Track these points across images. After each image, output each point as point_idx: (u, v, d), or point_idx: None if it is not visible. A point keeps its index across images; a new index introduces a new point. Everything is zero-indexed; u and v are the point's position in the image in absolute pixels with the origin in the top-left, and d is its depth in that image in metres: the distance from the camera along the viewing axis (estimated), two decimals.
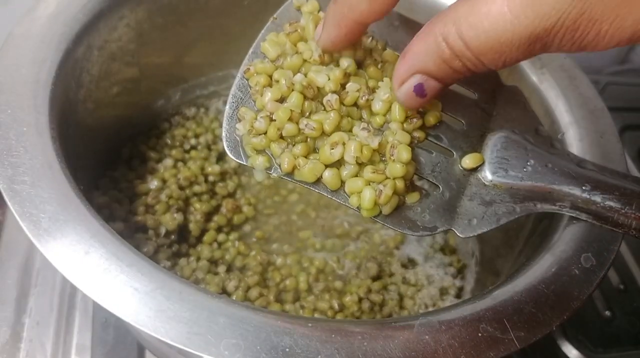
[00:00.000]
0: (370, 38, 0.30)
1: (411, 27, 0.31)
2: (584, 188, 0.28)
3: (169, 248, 0.43)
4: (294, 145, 0.28)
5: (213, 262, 0.44)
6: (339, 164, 0.28)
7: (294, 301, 0.43)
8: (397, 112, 0.28)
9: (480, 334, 0.25)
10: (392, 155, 0.27)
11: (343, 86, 0.28)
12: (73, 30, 0.34)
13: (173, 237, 0.43)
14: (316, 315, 0.42)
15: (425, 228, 0.28)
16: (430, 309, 0.44)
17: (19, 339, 0.40)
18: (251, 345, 0.23)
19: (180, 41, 0.46)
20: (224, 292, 0.43)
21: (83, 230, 0.25)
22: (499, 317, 0.25)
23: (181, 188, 0.46)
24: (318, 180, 0.28)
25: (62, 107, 0.32)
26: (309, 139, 0.28)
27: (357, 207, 0.27)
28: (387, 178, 0.27)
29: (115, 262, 0.24)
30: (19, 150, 0.27)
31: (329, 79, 0.28)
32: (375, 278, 0.44)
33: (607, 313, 0.49)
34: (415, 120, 0.29)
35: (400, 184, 0.27)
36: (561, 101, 0.38)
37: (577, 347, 0.45)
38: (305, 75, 0.28)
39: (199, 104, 0.52)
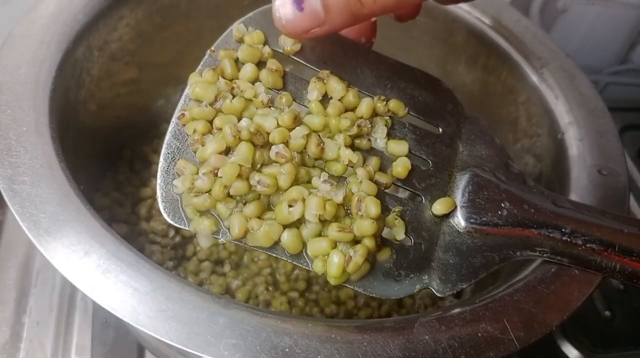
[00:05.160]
0: (328, 72, 0.27)
1: (365, 56, 0.28)
2: (564, 230, 0.26)
3: (172, 250, 0.43)
4: (244, 204, 0.24)
5: (219, 262, 0.44)
6: (298, 221, 0.24)
7: (300, 293, 0.43)
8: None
9: (480, 334, 0.24)
10: (359, 210, 0.24)
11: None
12: (73, 30, 0.34)
13: (177, 238, 0.43)
14: (316, 310, 0.42)
15: (400, 290, 0.25)
16: (430, 309, 0.44)
17: (19, 339, 0.40)
18: (251, 345, 0.23)
19: (180, 41, 0.46)
20: (228, 292, 0.43)
21: (83, 230, 0.25)
22: (499, 317, 0.25)
23: None
24: (275, 243, 0.24)
25: (62, 107, 0.32)
26: (262, 196, 0.24)
27: (323, 273, 0.24)
28: (354, 237, 0.24)
29: (115, 262, 0.24)
30: (19, 150, 0.27)
31: (278, 125, 0.25)
32: None
33: (607, 313, 0.49)
34: (372, 159, 0.26)
35: (371, 244, 0.24)
36: (561, 101, 0.38)
37: (577, 347, 0.45)
38: (250, 119, 0.25)
39: None
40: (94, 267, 0.24)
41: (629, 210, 0.34)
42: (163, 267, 0.36)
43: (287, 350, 0.23)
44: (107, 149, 0.46)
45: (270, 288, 0.43)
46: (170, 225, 0.43)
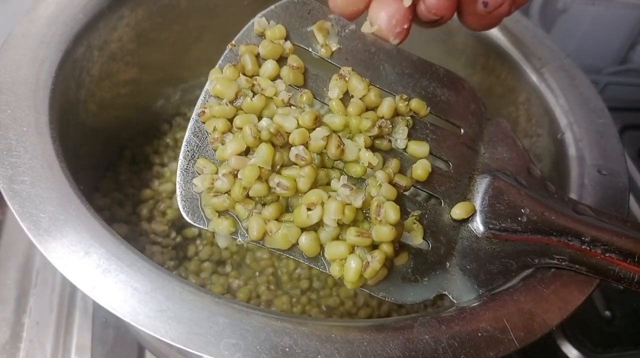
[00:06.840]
0: (350, 68, 0.27)
1: (387, 52, 0.28)
2: (583, 238, 0.26)
3: (173, 250, 0.43)
4: (263, 205, 0.24)
5: (220, 263, 0.44)
6: (316, 224, 0.24)
7: (302, 291, 0.43)
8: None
9: (480, 334, 0.24)
10: (379, 215, 0.24)
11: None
12: (73, 30, 0.34)
13: (178, 239, 0.43)
14: (316, 310, 0.42)
15: (417, 295, 0.25)
16: (430, 309, 0.44)
17: (19, 339, 0.40)
18: (251, 345, 0.23)
19: (180, 41, 0.46)
20: (229, 291, 0.43)
21: (83, 230, 0.25)
22: (498, 317, 0.25)
23: None
24: (293, 246, 0.24)
25: (62, 107, 0.32)
26: (280, 198, 0.24)
27: (340, 278, 0.24)
28: (373, 242, 0.24)
29: (115, 262, 0.24)
30: (19, 150, 0.27)
31: (298, 125, 0.24)
32: None
33: (607, 313, 0.49)
34: (392, 161, 0.26)
35: (389, 250, 0.24)
36: (561, 101, 0.38)
37: (577, 347, 0.45)
38: (270, 118, 0.25)
39: None
40: (94, 267, 0.24)
41: (629, 210, 0.34)
42: (164, 267, 0.36)
43: (287, 349, 0.23)
44: (106, 149, 0.46)
45: (272, 288, 0.43)
46: (171, 226, 0.43)
